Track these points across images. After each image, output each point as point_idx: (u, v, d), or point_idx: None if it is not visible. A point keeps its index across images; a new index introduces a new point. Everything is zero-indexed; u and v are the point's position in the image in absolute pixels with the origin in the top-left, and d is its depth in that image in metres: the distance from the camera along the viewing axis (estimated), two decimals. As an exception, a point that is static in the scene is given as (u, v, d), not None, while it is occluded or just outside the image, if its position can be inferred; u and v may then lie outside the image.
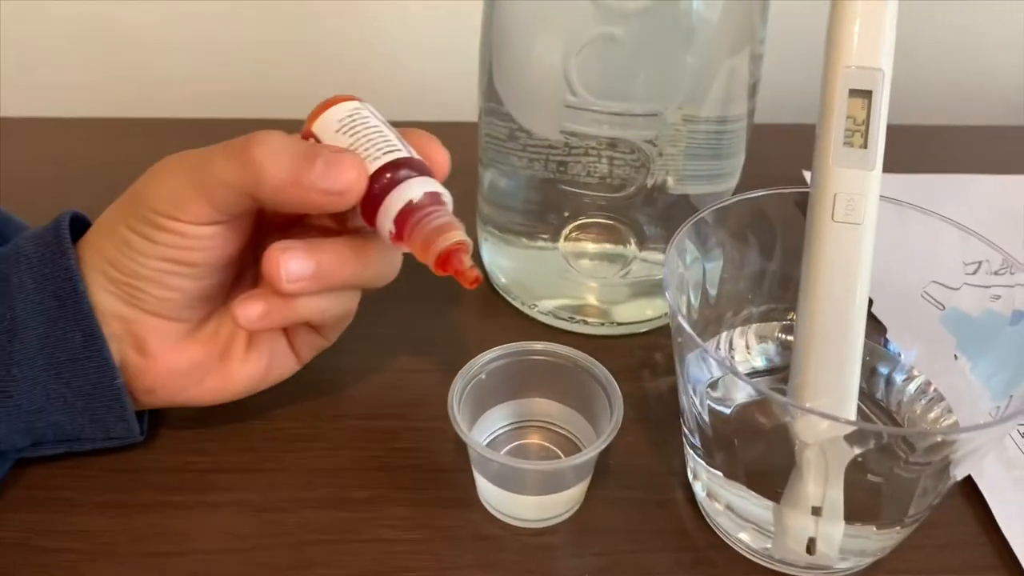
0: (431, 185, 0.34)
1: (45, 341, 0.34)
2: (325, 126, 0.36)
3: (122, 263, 0.35)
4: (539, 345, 0.39)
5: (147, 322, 0.36)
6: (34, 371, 0.34)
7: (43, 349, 0.34)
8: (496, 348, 0.39)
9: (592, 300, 0.46)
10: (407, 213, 0.33)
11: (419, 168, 0.35)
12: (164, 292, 0.35)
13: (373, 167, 0.34)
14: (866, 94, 0.34)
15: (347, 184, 0.33)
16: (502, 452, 0.40)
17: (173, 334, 0.36)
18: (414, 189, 0.34)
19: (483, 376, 0.39)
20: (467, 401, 0.38)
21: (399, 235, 0.34)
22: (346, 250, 0.35)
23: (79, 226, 0.37)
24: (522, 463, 0.37)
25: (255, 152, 0.33)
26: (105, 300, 0.35)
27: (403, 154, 0.35)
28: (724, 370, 0.34)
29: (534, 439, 0.40)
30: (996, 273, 0.37)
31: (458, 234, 0.33)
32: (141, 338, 0.36)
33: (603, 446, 0.35)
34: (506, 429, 0.41)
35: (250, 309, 0.35)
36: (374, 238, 0.36)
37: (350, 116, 0.36)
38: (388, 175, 0.34)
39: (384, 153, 0.34)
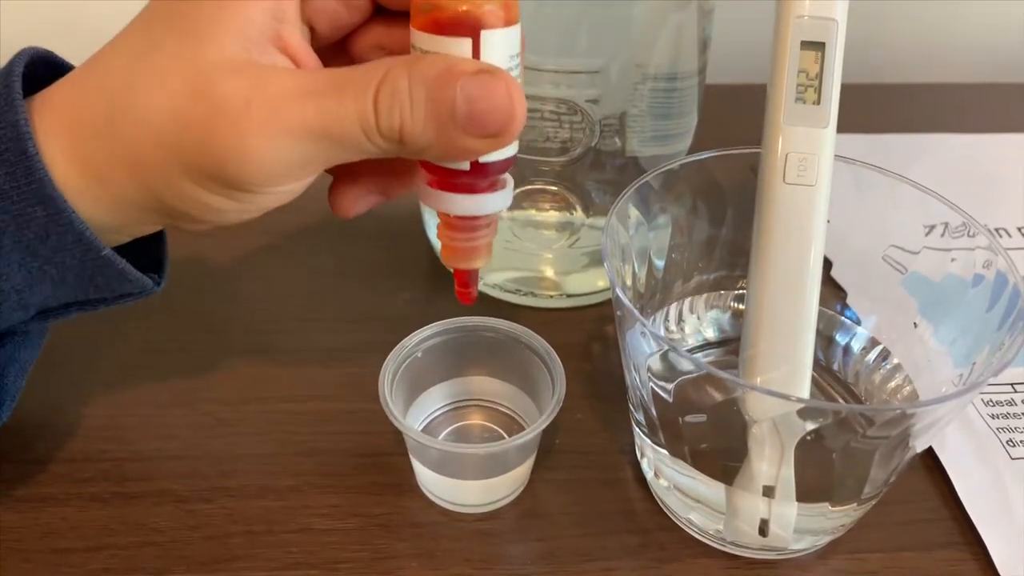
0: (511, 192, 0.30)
1: (4, 216, 0.28)
2: (493, 49, 0.27)
3: (181, 211, 0.29)
4: (477, 320, 0.37)
5: None
6: (3, 251, 0.28)
7: (5, 226, 0.28)
8: (431, 325, 0.37)
9: (540, 271, 0.44)
10: (473, 220, 0.30)
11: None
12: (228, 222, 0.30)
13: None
14: (819, 46, 0.32)
15: (501, 122, 0.26)
16: (441, 435, 0.38)
17: None
18: (502, 201, 0.30)
19: (419, 355, 0.36)
20: (401, 382, 0.36)
21: (447, 224, 0.30)
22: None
23: (46, 70, 0.30)
24: (461, 447, 0.34)
25: (394, 118, 0.26)
26: (106, 214, 0.28)
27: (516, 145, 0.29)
28: (663, 346, 0.32)
29: (475, 419, 0.38)
30: (955, 236, 0.35)
31: (488, 259, 0.31)
32: None
33: (545, 424, 0.34)
34: (445, 410, 0.39)
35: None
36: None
37: (518, 53, 0.28)
38: (489, 177, 0.29)
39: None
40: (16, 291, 0.29)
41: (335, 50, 0.31)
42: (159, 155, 0.27)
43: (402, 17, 0.29)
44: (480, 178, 0.28)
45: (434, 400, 0.38)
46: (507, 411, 0.38)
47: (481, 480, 0.35)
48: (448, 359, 0.37)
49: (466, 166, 0.28)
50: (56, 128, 0.28)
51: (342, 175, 0.32)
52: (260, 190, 0.28)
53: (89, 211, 0.28)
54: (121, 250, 0.30)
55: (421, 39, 0.27)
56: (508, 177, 0.30)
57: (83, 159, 0.28)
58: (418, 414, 0.38)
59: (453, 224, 0.30)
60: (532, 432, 0.33)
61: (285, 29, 0.28)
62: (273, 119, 0.26)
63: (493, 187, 0.29)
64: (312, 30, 0.29)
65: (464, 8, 0.26)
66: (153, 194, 0.28)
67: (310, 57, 0.29)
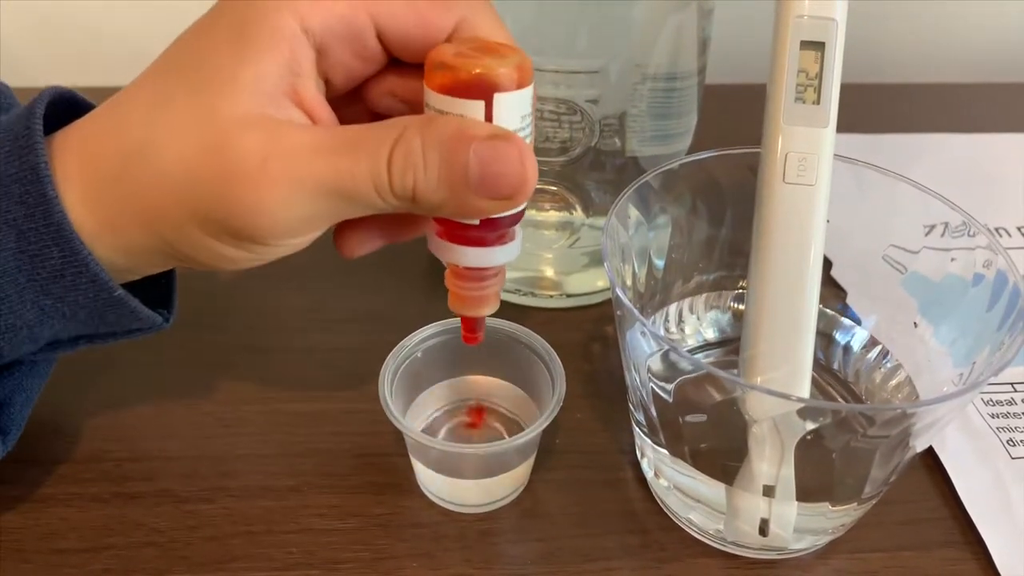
0: (519, 244, 0.30)
1: (21, 256, 0.28)
2: (505, 111, 0.27)
3: (192, 258, 0.29)
4: None
5: None
6: (17, 288, 0.29)
7: (21, 265, 0.28)
8: (431, 325, 0.37)
9: (540, 271, 0.44)
10: (482, 270, 0.30)
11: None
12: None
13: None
14: (819, 46, 0.32)
15: (513, 186, 0.27)
16: (441, 434, 0.38)
17: None
18: (511, 253, 0.30)
19: (419, 355, 0.36)
20: (401, 382, 0.36)
21: (456, 273, 0.30)
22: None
23: (66, 108, 0.30)
24: (461, 447, 0.34)
25: (407, 180, 0.27)
26: (119, 257, 0.29)
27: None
28: (663, 346, 0.32)
29: (475, 419, 0.38)
30: (955, 235, 0.35)
31: (496, 306, 0.31)
32: None
33: (545, 424, 0.33)
34: (445, 409, 0.39)
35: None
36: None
37: (529, 112, 0.28)
38: (498, 231, 0.29)
39: None
40: (28, 326, 0.29)
41: (349, 98, 0.31)
42: (173, 208, 0.27)
43: (415, 67, 0.29)
44: (490, 231, 0.29)
45: (434, 400, 0.38)
46: (507, 411, 0.38)
47: (481, 480, 0.35)
48: (448, 359, 0.37)
49: (476, 220, 0.28)
50: (73, 173, 0.28)
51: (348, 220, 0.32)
52: (271, 243, 0.28)
53: (102, 254, 0.28)
54: (130, 284, 0.30)
55: (435, 99, 0.27)
56: (517, 229, 0.30)
57: (97, 206, 0.28)
58: (418, 414, 0.38)
59: (463, 274, 0.30)
60: (532, 432, 0.33)
61: (300, 83, 0.28)
62: (288, 176, 0.27)
63: (502, 239, 0.29)
64: (327, 82, 0.29)
65: (478, 71, 0.26)
66: (166, 243, 0.28)
67: (325, 111, 0.29)
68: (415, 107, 0.30)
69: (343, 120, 0.29)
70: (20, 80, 0.61)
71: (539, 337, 0.36)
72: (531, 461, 0.36)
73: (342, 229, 0.32)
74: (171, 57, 0.29)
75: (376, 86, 0.30)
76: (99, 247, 0.28)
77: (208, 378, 0.40)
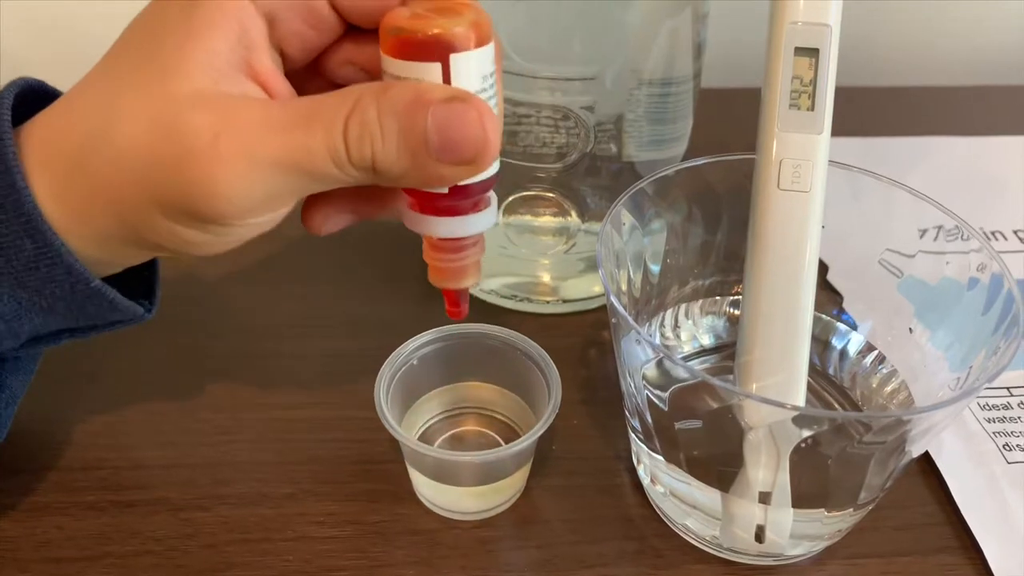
0: (495, 211, 0.30)
1: None
2: (464, 72, 0.26)
3: (159, 244, 0.28)
4: (472, 327, 0.37)
5: None
6: None
7: None
8: (427, 332, 0.37)
9: (536, 277, 0.44)
10: (459, 240, 0.29)
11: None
12: (213, 253, 0.30)
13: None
14: (813, 52, 0.32)
15: (475, 149, 0.26)
16: (437, 442, 0.38)
17: None
18: (486, 221, 0.29)
19: (414, 362, 0.36)
20: (397, 390, 0.36)
21: (433, 246, 0.30)
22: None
23: (36, 99, 0.30)
24: (457, 455, 0.34)
25: (364, 149, 0.26)
26: (92, 248, 0.28)
27: (497, 164, 0.29)
28: (658, 354, 0.32)
29: (471, 426, 0.38)
30: (949, 239, 0.35)
31: (477, 278, 0.31)
32: None
33: (541, 431, 0.33)
34: (441, 417, 0.39)
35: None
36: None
37: (492, 72, 0.27)
38: (470, 198, 0.29)
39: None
40: (5, 320, 0.29)
41: (308, 71, 0.30)
42: (132, 192, 0.27)
43: (372, 34, 0.28)
44: (461, 199, 0.28)
45: (430, 407, 0.38)
46: (503, 418, 0.38)
47: (477, 487, 0.35)
48: (444, 366, 0.37)
49: (445, 189, 0.28)
50: (38, 164, 0.28)
51: (316, 195, 0.31)
52: (233, 223, 0.27)
53: (76, 245, 0.28)
54: (113, 277, 0.30)
55: (391, 64, 0.27)
56: (492, 195, 0.29)
57: (65, 197, 0.28)
58: (414, 422, 0.38)
59: (438, 246, 0.30)
60: (528, 439, 0.33)
61: (254, 56, 0.27)
62: (242, 153, 0.26)
63: (476, 207, 0.29)
64: (283, 54, 0.29)
65: (433, 32, 0.26)
66: (131, 229, 0.28)
67: (281, 83, 0.28)
68: (375, 75, 0.29)
69: (302, 94, 0.29)
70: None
71: (535, 344, 0.36)
72: (527, 468, 0.36)
73: (308, 205, 0.31)
74: (124, 41, 0.28)
75: (334, 56, 0.30)
76: (72, 239, 0.28)
77: (204, 386, 0.40)
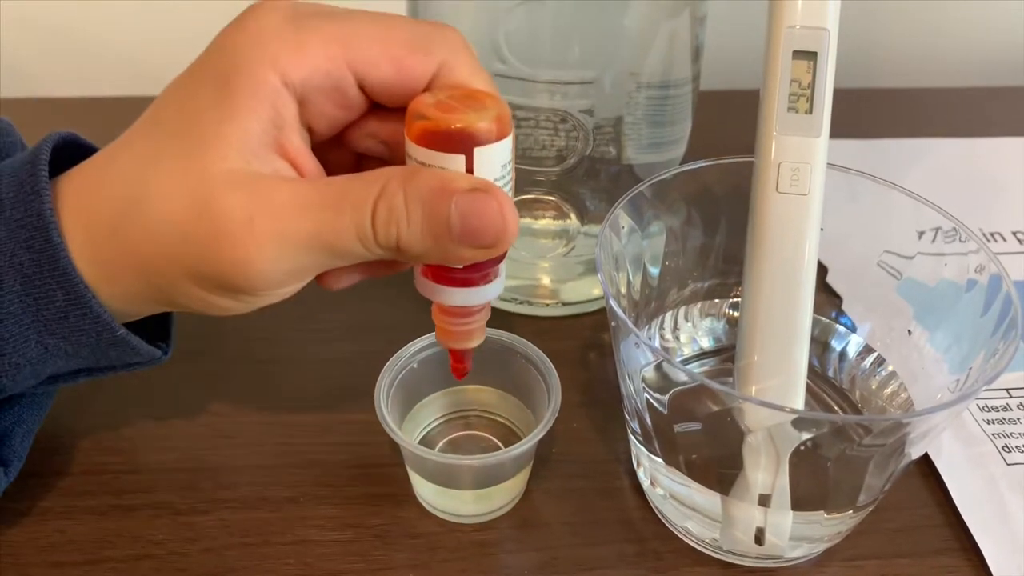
0: (503, 280, 0.31)
1: (25, 298, 0.29)
2: (486, 163, 0.28)
3: (187, 306, 0.30)
4: None
5: None
6: (21, 328, 0.29)
7: (26, 307, 0.29)
8: (427, 336, 0.37)
9: (536, 280, 0.44)
10: (468, 308, 0.31)
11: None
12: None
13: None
14: (811, 56, 0.33)
15: (495, 236, 0.28)
16: (438, 445, 0.38)
17: None
18: (495, 291, 0.30)
19: (414, 366, 0.37)
20: (397, 394, 0.36)
21: (442, 310, 0.31)
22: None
23: (70, 150, 0.31)
24: (458, 459, 0.34)
25: (391, 231, 0.27)
26: (118, 304, 0.30)
27: None
28: (657, 357, 0.32)
29: (471, 430, 0.38)
30: (947, 241, 0.35)
31: (482, 338, 0.32)
32: None
33: (541, 434, 0.34)
34: (441, 420, 0.39)
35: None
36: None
37: (509, 160, 0.29)
38: (481, 272, 0.30)
39: None
40: (31, 364, 0.30)
41: (331, 142, 0.31)
42: (165, 263, 0.28)
43: (396, 111, 0.30)
44: (474, 272, 0.29)
45: (431, 411, 0.38)
46: (503, 421, 0.39)
47: (477, 491, 0.35)
48: (444, 370, 0.37)
49: (460, 264, 0.29)
50: (73, 219, 0.29)
51: None
52: (261, 294, 0.29)
53: (103, 299, 0.29)
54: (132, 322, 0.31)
55: (416, 151, 0.28)
56: (502, 267, 0.30)
57: (95, 257, 0.29)
58: (414, 425, 0.38)
59: (448, 311, 0.31)
60: (528, 443, 0.33)
61: (284, 135, 0.28)
62: (274, 233, 0.27)
63: (487, 279, 0.30)
64: (310, 130, 0.30)
65: (458, 127, 0.27)
66: (160, 292, 0.29)
67: (310, 160, 0.30)
68: (395, 148, 0.30)
69: (326, 163, 0.30)
70: (22, 91, 0.62)
71: (535, 347, 0.36)
72: (528, 471, 0.36)
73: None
74: (159, 111, 0.30)
75: (357, 129, 0.31)
76: (101, 294, 0.29)
77: (205, 390, 0.40)
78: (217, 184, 0.27)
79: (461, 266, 0.29)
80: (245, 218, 0.27)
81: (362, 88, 0.29)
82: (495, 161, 0.28)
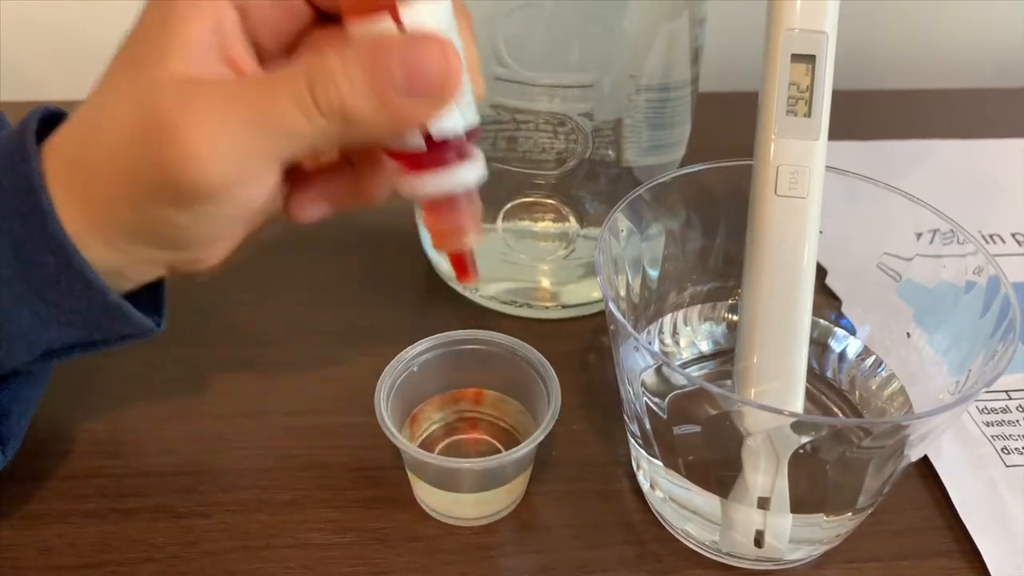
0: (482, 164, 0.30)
1: (16, 265, 0.29)
2: (416, 19, 0.27)
3: (157, 236, 0.29)
4: (472, 333, 0.37)
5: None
6: (14, 295, 0.29)
7: (17, 273, 0.29)
8: (426, 339, 0.37)
9: (536, 283, 0.44)
10: (451, 199, 0.29)
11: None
12: (216, 249, 0.31)
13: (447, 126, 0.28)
14: (809, 59, 0.33)
15: (440, 77, 0.27)
16: (437, 448, 0.38)
17: None
18: (473, 172, 0.29)
19: (414, 369, 0.37)
20: (397, 397, 0.36)
21: (428, 209, 0.30)
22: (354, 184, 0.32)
23: (56, 122, 0.31)
24: (458, 462, 0.35)
25: (331, 94, 0.27)
26: (106, 253, 0.29)
27: (476, 115, 0.29)
28: (656, 360, 0.32)
29: (471, 433, 0.38)
30: (945, 242, 0.36)
31: (478, 237, 0.30)
32: None
33: (541, 437, 0.34)
34: (441, 423, 0.39)
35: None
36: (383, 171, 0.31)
37: (452, 27, 0.28)
38: (452, 150, 0.29)
39: (466, 106, 0.28)
40: (23, 334, 0.30)
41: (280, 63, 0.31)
42: (123, 180, 0.28)
43: (340, 22, 0.29)
44: (442, 152, 0.28)
45: (430, 414, 0.38)
46: (503, 424, 0.39)
47: (477, 494, 0.35)
48: (444, 372, 0.37)
49: (423, 146, 0.28)
50: (54, 174, 0.29)
51: (296, 182, 0.32)
52: (218, 196, 0.28)
53: (93, 254, 0.29)
54: (125, 294, 0.31)
55: (351, 29, 0.27)
56: (478, 151, 0.29)
57: (70, 198, 0.28)
58: (415, 428, 0.38)
59: (432, 207, 0.30)
60: (528, 446, 0.33)
61: (228, 43, 0.28)
62: (210, 116, 0.27)
63: (461, 156, 0.29)
64: (257, 44, 0.30)
65: None
66: (131, 226, 0.29)
67: (255, 68, 0.29)
68: None
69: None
70: (21, 94, 0.62)
71: (534, 349, 0.36)
72: (527, 474, 0.36)
73: (289, 194, 0.32)
74: (118, 50, 0.29)
75: (306, 45, 0.31)
76: (88, 248, 0.29)
77: (205, 393, 0.40)
78: (159, 89, 0.27)
79: (423, 143, 0.28)
80: (180, 110, 0.27)
81: None
82: (426, 19, 0.27)
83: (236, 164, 0.27)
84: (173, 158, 0.27)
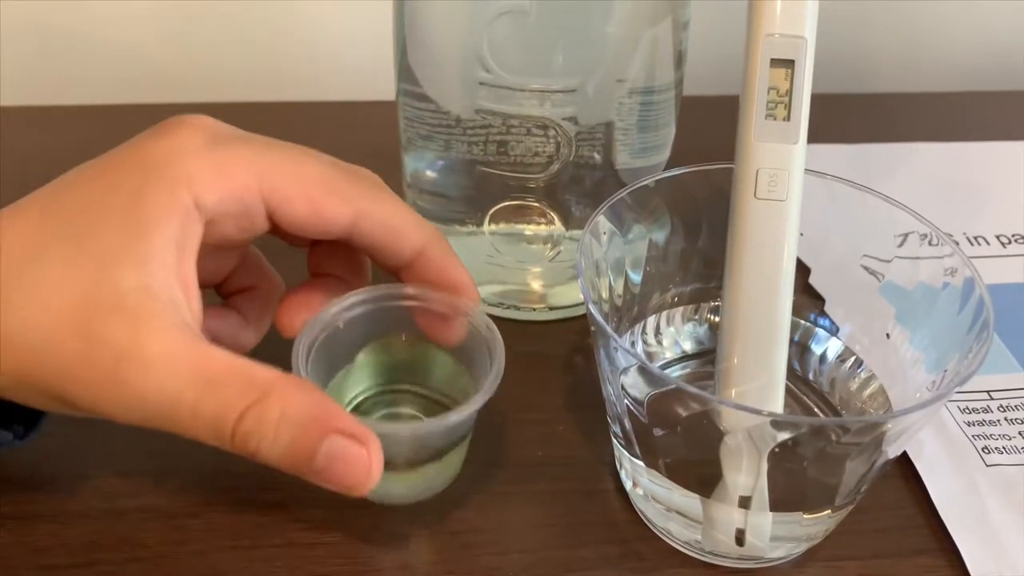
0: None
1: None
2: None
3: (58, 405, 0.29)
4: (410, 289, 0.34)
5: None
6: None
7: None
8: (356, 292, 0.34)
9: (523, 285, 0.45)
10: None
11: None
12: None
13: None
14: (788, 63, 0.33)
15: (351, 486, 0.28)
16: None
17: None
18: None
19: (339, 325, 0.33)
20: (319, 360, 0.33)
21: None
22: None
23: None
24: (392, 427, 0.32)
25: (251, 443, 0.28)
26: None
27: None
28: (634, 361, 0.32)
29: (406, 408, 0.37)
30: (923, 244, 0.36)
31: None
32: None
33: (481, 403, 0.31)
34: (371, 393, 0.37)
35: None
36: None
37: None
38: None
39: None
40: None
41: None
42: (31, 371, 0.27)
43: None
44: None
45: (360, 379, 0.36)
46: (440, 397, 0.36)
47: (409, 471, 0.33)
48: (373, 328, 0.34)
49: None
50: None
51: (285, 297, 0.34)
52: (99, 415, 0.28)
53: None
54: None
55: None
56: None
57: None
58: (340, 396, 0.35)
59: None
60: (467, 411, 0.31)
61: (184, 258, 0.28)
62: (139, 384, 0.27)
63: None
64: (203, 245, 0.29)
65: None
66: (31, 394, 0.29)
67: (195, 288, 0.29)
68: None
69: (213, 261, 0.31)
70: (19, 99, 0.62)
71: (480, 310, 0.34)
72: (464, 449, 0.34)
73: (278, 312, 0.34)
74: (60, 202, 0.28)
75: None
76: None
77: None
78: (103, 303, 0.26)
79: None
80: (114, 360, 0.26)
81: (271, 219, 0.30)
82: None
83: (142, 423, 0.28)
84: (87, 393, 0.27)
